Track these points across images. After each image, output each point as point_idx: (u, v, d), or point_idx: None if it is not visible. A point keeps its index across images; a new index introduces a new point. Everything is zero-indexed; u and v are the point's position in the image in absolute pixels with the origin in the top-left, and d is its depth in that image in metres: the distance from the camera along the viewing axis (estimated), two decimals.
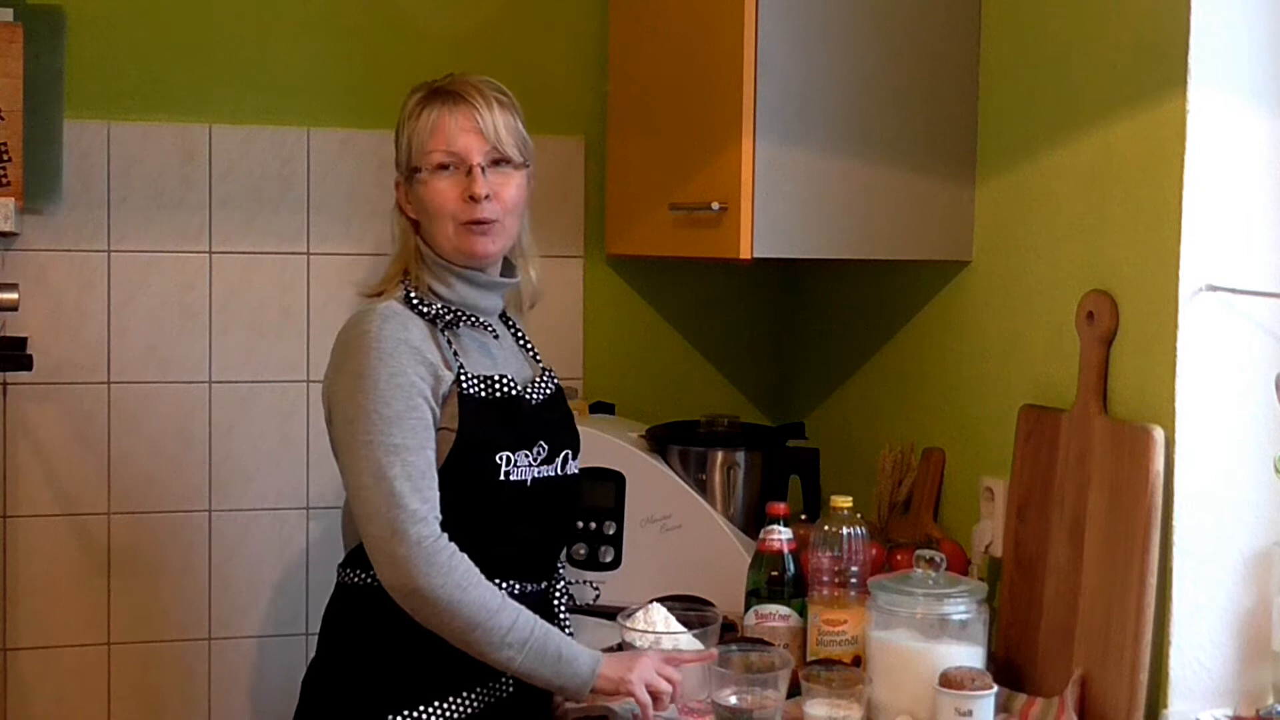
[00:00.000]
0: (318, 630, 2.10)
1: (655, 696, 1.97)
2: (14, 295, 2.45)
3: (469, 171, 2.02)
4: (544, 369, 2.19)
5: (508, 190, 2.05)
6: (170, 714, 2.74)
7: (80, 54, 2.62)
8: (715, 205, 2.31)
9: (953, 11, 2.34)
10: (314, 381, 2.78)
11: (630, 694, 1.97)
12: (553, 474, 2.09)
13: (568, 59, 2.88)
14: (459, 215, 2.02)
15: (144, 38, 2.67)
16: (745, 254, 2.26)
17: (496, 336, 2.11)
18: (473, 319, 2.06)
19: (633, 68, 2.76)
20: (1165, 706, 1.91)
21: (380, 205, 2.76)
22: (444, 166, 2.03)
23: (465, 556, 1.91)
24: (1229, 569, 1.92)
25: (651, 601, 2.20)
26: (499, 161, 2.04)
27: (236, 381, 2.75)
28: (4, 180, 2.47)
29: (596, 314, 2.95)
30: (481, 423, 1.99)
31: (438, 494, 1.93)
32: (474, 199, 2.01)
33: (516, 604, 1.94)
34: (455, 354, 2.01)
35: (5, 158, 2.47)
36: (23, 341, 2.51)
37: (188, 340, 2.72)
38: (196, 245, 2.72)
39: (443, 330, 2.02)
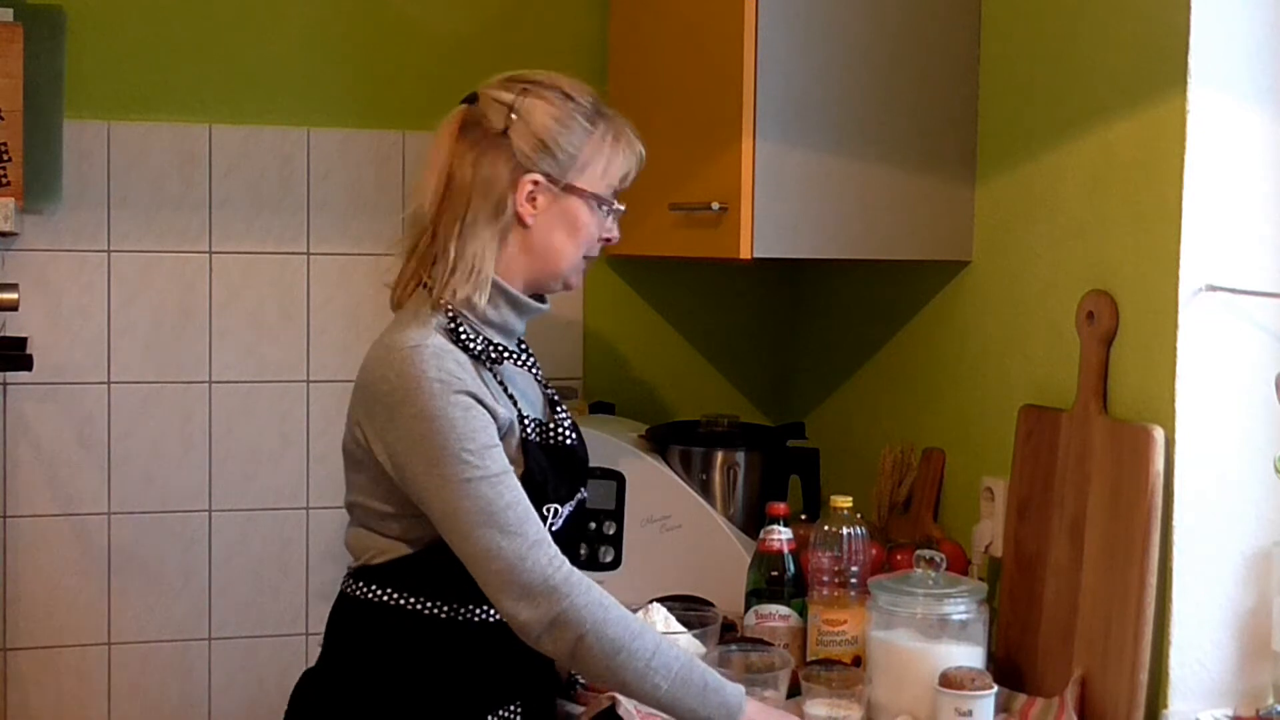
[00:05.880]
0: (318, 631, 2.08)
1: None
2: (14, 295, 2.45)
3: (609, 213, 2.00)
4: (550, 392, 2.10)
5: None
6: (170, 714, 2.74)
7: (80, 54, 2.61)
8: (715, 205, 2.31)
9: (953, 12, 2.34)
10: (314, 381, 2.78)
11: None
12: (571, 509, 2.03)
13: (568, 59, 2.87)
14: (591, 251, 1.99)
15: (144, 38, 2.67)
16: (745, 254, 2.26)
17: (533, 371, 2.05)
18: (510, 353, 1.95)
19: (633, 68, 2.75)
20: (1165, 706, 1.91)
21: (380, 205, 2.79)
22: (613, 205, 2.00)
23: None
24: (1229, 569, 1.92)
25: (651, 602, 2.20)
26: None
27: (236, 381, 2.75)
28: (4, 180, 2.47)
29: (596, 314, 2.94)
30: (543, 473, 1.92)
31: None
32: (610, 243, 2.02)
33: (652, 629, 1.88)
34: (511, 396, 1.93)
35: (5, 158, 2.47)
36: (23, 341, 2.50)
37: (188, 340, 2.72)
38: (196, 245, 2.71)
39: (489, 367, 1.92)
